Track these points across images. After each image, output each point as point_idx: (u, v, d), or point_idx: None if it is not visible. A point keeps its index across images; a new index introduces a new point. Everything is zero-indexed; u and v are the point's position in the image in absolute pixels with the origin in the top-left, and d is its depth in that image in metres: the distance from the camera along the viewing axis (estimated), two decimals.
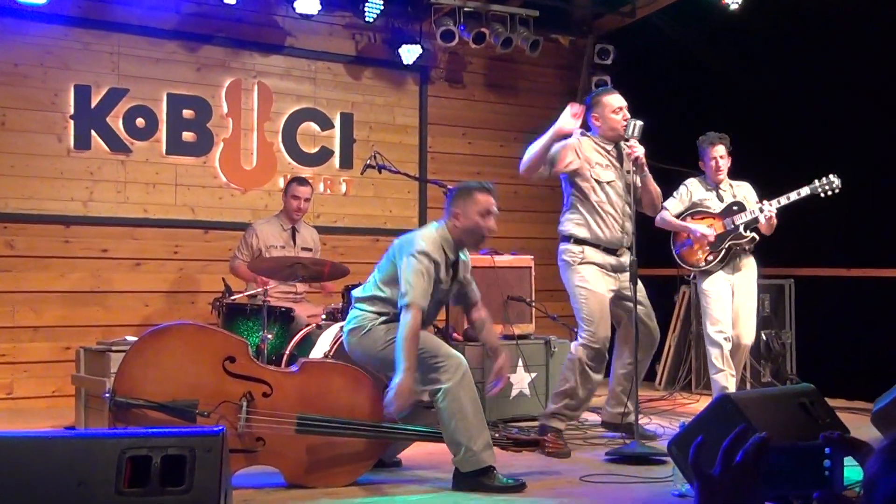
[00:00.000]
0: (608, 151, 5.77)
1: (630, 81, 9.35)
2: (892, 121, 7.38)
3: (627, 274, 5.61)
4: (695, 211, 6.58)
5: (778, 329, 7.94)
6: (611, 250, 5.71)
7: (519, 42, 9.12)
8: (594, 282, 5.65)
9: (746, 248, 6.46)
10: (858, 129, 7.51)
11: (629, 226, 5.71)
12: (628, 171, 5.63)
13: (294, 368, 4.85)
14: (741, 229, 6.37)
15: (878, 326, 7.53)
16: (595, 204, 5.69)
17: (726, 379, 6.25)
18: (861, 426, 5.19)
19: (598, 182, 5.69)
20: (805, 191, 6.29)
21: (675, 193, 6.60)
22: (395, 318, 4.78)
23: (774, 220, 6.26)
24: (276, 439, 4.62)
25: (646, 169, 5.70)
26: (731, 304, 6.38)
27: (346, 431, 4.69)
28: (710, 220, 6.49)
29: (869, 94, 7.51)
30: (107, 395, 4.53)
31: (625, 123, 5.63)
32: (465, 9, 8.91)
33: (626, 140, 5.60)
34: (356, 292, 5.19)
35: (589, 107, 5.87)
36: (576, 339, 5.78)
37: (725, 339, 6.28)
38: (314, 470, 4.70)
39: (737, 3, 8.16)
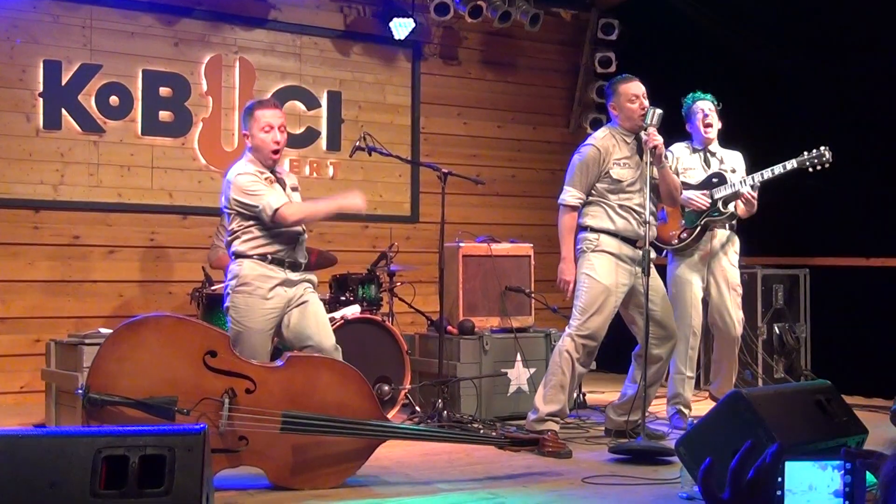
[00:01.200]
0: (629, 143, 5.80)
1: (635, 58, 9.41)
2: None
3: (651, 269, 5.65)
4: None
5: (792, 322, 7.92)
6: (629, 240, 5.74)
7: (518, 16, 9.12)
8: (603, 272, 5.67)
9: (725, 225, 6.37)
10: (882, 111, 7.51)
11: (652, 220, 5.73)
12: (647, 163, 5.64)
13: (279, 363, 4.82)
14: (719, 204, 6.27)
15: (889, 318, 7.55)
16: (615, 201, 5.75)
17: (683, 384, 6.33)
18: (880, 425, 5.23)
19: (619, 181, 5.73)
20: (792, 164, 6.17)
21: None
22: None
23: (754, 201, 6.20)
24: (259, 438, 4.61)
25: (664, 160, 5.74)
26: (712, 294, 6.39)
27: (334, 430, 4.68)
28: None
29: (889, 73, 7.51)
30: (80, 391, 4.52)
31: (642, 112, 5.67)
32: None
33: (645, 129, 5.62)
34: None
35: (608, 96, 5.96)
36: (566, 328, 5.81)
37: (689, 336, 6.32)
38: (300, 471, 4.69)
39: None
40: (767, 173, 6.19)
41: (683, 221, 6.35)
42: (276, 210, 5.03)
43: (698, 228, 6.30)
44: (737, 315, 6.39)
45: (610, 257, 5.69)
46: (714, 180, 6.34)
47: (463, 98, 9.61)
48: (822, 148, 6.14)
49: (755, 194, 6.19)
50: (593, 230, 5.77)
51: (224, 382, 4.58)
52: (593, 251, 5.73)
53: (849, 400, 4.96)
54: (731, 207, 6.29)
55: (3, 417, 6.66)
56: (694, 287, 6.32)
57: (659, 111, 5.63)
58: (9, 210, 7.60)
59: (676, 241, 6.36)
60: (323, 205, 5.63)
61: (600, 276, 5.66)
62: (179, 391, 4.50)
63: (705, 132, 6.42)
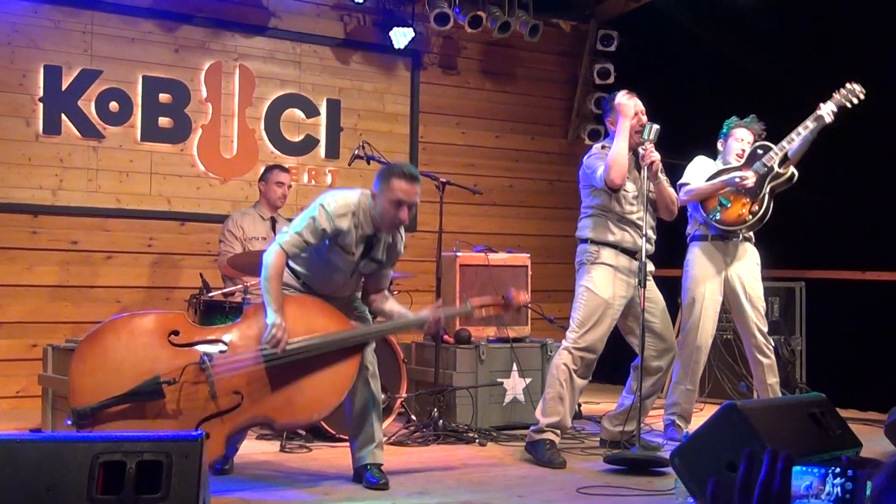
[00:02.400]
0: (629, 158, 5.78)
1: (634, 70, 9.44)
2: None
3: (649, 282, 5.68)
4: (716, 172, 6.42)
5: (787, 335, 7.90)
6: (629, 252, 5.74)
7: (517, 26, 9.15)
8: (601, 285, 5.69)
9: (787, 186, 6.29)
10: (876, 124, 7.53)
11: (651, 233, 5.74)
12: (645, 177, 5.66)
13: (237, 320, 4.96)
14: (776, 166, 6.23)
15: (895, 334, 7.57)
16: (616, 215, 5.75)
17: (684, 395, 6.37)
18: (874, 438, 5.25)
19: (618, 195, 5.73)
20: (829, 106, 6.07)
21: (690, 170, 6.46)
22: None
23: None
24: (252, 385, 4.67)
25: (660, 175, 5.76)
26: (733, 307, 6.39)
27: (311, 348, 4.74)
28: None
29: (887, 88, 7.54)
30: (68, 421, 4.56)
31: (640, 128, 5.68)
32: None
33: (642, 144, 5.64)
34: None
35: (605, 111, 5.97)
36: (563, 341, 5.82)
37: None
38: (302, 401, 4.74)
39: None
40: (808, 125, 6.11)
41: (748, 199, 6.25)
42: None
43: (765, 196, 6.24)
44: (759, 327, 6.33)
45: (609, 269, 5.71)
46: (759, 151, 6.30)
47: (461, 108, 9.63)
48: (852, 84, 6.11)
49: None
50: (594, 242, 5.78)
51: (196, 353, 4.64)
52: (593, 263, 5.74)
53: (843, 413, 4.97)
54: (790, 169, 6.24)
55: (1, 422, 6.66)
56: (707, 299, 6.26)
57: (656, 126, 5.63)
58: (7, 214, 7.60)
59: (751, 216, 6.25)
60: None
61: (599, 289, 5.68)
62: (159, 370, 4.55)
63: (735, 161, 6.39)
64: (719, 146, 6.56)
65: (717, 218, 6.26)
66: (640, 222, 5.73)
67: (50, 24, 7.80)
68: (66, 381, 5.92)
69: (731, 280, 6.25)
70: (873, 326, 7.72)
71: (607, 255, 5.73)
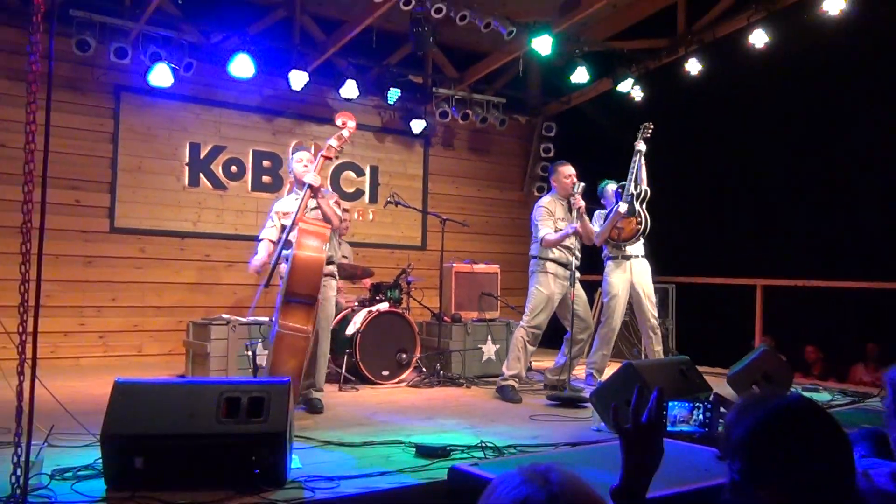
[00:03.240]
0: (563, 206, 5.85)
1: (566, 148, 9.47)
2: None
3: (577, 284, 5.72)
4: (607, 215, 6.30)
5: (664, 318, 7.89)
6: (563, 265, 5.73)
7: (492, 119, 9.17)
8: (545, 286, 5.73)
9: (647, 197, 6.08)
10: (719, 168, 7.55)
11: (578, 253, 5.80)
12: (575, 217, 5.74)
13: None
14: (633, 191, 6.04)
15: (731, 317, 7.59)
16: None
17: (601, 357, 6.27)
18: (720, 385, 5.24)
19: (559, 230, 5.74)
20: (640, 143, 6.00)
21: (595, 224, 6.29)
22: None
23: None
24: None
25: (584, 215, 5.80)
26: (634, 299, 6.32)
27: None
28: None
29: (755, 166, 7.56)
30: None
31: (572, 185, 5.76)
32: (456, 97, 8.98)
33: (573, 195, 5.72)
34: None
35: (550, 173, 6.03)
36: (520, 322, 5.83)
37: None
38: None
39: (640, 96, 8.27)
40: (633, 163, 6.01)
41: (632, 218, 6.04)
42: None
43: (641, 212, 6.04)
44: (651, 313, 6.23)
45: (550, 276, 5.73)
46: (619, 190, 6.15)
47: (456, 171, 9.64)
48: (644, 125, 6.06)
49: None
50: (541, 258, 5.80)
51: None
52: (541, 272, 5.77)
53: (700, 368, 4.98)
54: (642, 187, 6.07)
55: (158, 370, 6.64)
56: (619, 297, 6.11)
57: (583, 184, 5.74)
58: (165, 237, 7.61)
59: (639, 226, 6.04)
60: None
61: (544, 288, 5.72)
62: None
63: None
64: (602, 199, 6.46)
65: (621, 237, 6.14)
66: (571, 246, 5.75)
67: (193, 116, 7.82)
68: (200, 345, 5.91)
69: (635, 285, 6.18)
70: (719, 312, 7.74)
71: (550, 266, 5.74)
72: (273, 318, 4.78)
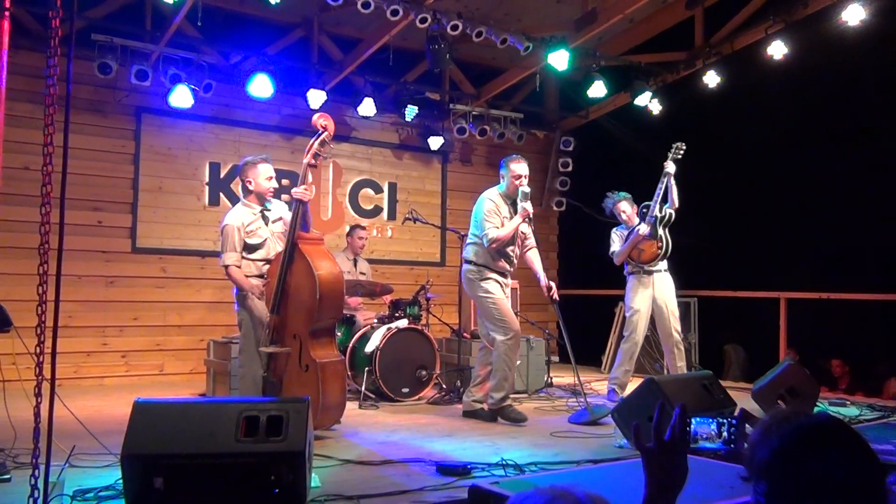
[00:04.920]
0: (509, 205, 5.41)
1: (585, 162, 9.42)
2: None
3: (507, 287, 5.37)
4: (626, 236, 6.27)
5: (686, 332, 7.82)
6: (502, 275, 5.37)
7: (509, 135, 9.16)
8: (499, 292, 5.28)
9: (670, 222, 6.11)
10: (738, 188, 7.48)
11: (515, 262, 5.42)
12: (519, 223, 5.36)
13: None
14: (657, 214, 6.09)
15: (753, 330, 7.48)
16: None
17: (624, 373, 6.23)
18: (744, 399, 5.15)
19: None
20: (669, 164, 5.93)
21: (613, 242, 6.29)
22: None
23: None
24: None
25: (531, 225, 5.49)
26: (661, 313, 6.21)
27: None
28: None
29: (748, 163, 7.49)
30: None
31: (520, 186, 5.30)
32: (473, 112, 8.98)
33: (519, 200, 5.28)
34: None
35: (501, 167, 5.52)
36: (499, 335, 5.20)
37: None
38: None
39: (658, 109, 8.23)
40: (661, 184, 5.97)
41: (653, 241, 6.07)
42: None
43: (663, 235, 6.05)
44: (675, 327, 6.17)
45: (492, 282, 5.30)
46: (644, 210, 6.18)
47: (474, 187, 9.51)
48: (679, 143, 5.98)
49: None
50: (476, 264, 5.31)
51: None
52: (482, 280, 5.27)
53: (723, 383, 4.90)
54: (667, 210, 6.09)
55: (180, 389, 6.67)
56: (642, 313, 6.10)
57: (528, 190, 5.30)
58: (186, 256, 7.65)
59: (659, 250, 6.06)
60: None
61: (497, 294, 5.26)
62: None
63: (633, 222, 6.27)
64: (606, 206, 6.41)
65: (641, 259, 6.16)
66: (512, 255, 5.40)
67: (213, 136, 7.88)
68: (221, 363, 5.92)
69: (657, 300, 6.15)
70: (741, 326, 7.64)
71: (492, 274, 5.31)
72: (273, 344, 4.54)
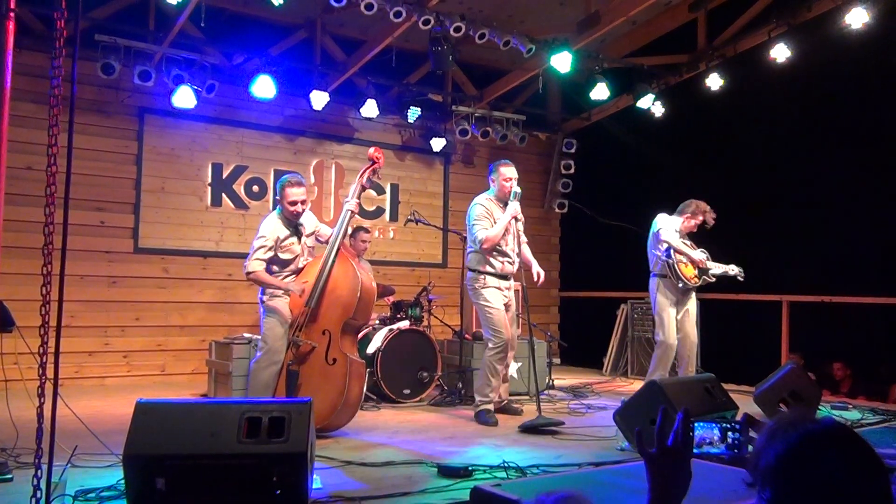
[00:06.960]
0: (501, 208, 5.44)
1: (587, 164, 9.41)
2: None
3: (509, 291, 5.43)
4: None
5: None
6: (504, 277, 5.40)
7: (511, 136, 9.15)
8: (496, 301, 5.34)
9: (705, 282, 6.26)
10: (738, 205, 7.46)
11: (517, 261, 5.43)
12: (514, 224, 5.42)
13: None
14: (709, 276, 6.20)
15: (758, 333, 7.46)
16: (499, 246, 5.39)
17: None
18: (747, 402, 5.14)
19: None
20: (735, 270, 6.20)
21: (665, 226, 6.13)
22: None
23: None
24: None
25: (522, 223, 5.53)
26: (687, 322, 6.22)
27: None
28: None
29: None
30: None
31: (509, 191, 5.36)
32: (476, 114, 8.97)
33: (511, 202, 5.34)
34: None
35: (490, 171, 5.59)
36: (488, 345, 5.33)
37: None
38: None
39: (660, 112, 8.22)
40: (720, 271, 6.21)
41: (697, 271, 6.15)
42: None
43: (703, 278, 6.18)
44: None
45: (492, 288, 5.34)
46: (709, 262, 6.25)
47: (476, 189, 9.40)
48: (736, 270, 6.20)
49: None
50: (477, 272, 5.35)
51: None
52: (483, 288, 5.33)
53: (726, 386, 4.89)
54: (706, 279, 6.22)
55: (181, 390, 6.67)
56: (671, 317, 6.06)
57: (519, 191, 5.36)
58: (188, 257, 7.65)
59: (695, 281, 6.13)
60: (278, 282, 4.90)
61: (495, 304, 5.31)
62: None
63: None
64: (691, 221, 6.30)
65: (679, 270, 6.07)
66: (510, 253, 5.40)
67: (216, 137, 7.89)
68: (223, 364, 5.92)
69: (682, 310, 6.12)
70: (742, 330, 7.62)
71: (491, 280, 5.35)
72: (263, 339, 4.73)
